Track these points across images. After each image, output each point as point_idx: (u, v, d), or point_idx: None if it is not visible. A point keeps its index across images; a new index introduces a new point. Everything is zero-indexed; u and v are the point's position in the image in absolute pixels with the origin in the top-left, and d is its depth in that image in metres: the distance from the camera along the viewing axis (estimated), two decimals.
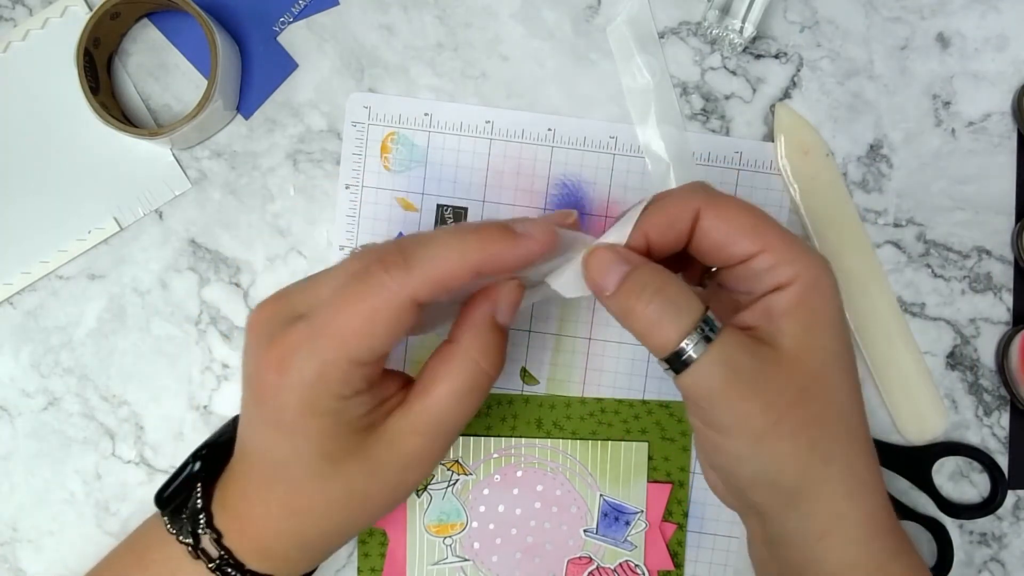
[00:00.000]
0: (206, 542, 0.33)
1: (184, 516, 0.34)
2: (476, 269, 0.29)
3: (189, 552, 0.33)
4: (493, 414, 0.44)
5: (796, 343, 0.30)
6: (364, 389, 0.31)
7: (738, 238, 0.31)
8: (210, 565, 0.33)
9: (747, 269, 0.31)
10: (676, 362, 0.30)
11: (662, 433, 0.44)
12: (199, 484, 0.35)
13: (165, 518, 0.35)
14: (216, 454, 0.36)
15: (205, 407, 0.44)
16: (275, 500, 0.33)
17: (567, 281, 0.33)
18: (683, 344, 0.29)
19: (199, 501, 0.34)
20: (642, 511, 0.44)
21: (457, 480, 0.44)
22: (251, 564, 0.33)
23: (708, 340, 0.30)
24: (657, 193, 0.33)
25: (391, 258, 0.29)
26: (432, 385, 0.32)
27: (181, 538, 0.34)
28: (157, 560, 0.35)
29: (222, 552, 0.33)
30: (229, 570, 0.33)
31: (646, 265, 0.31)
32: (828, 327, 0.31)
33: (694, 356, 0.29)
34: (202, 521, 0.34)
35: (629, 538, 0.43)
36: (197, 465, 0.36)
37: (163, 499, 0.36)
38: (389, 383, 0.33)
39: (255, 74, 0.45)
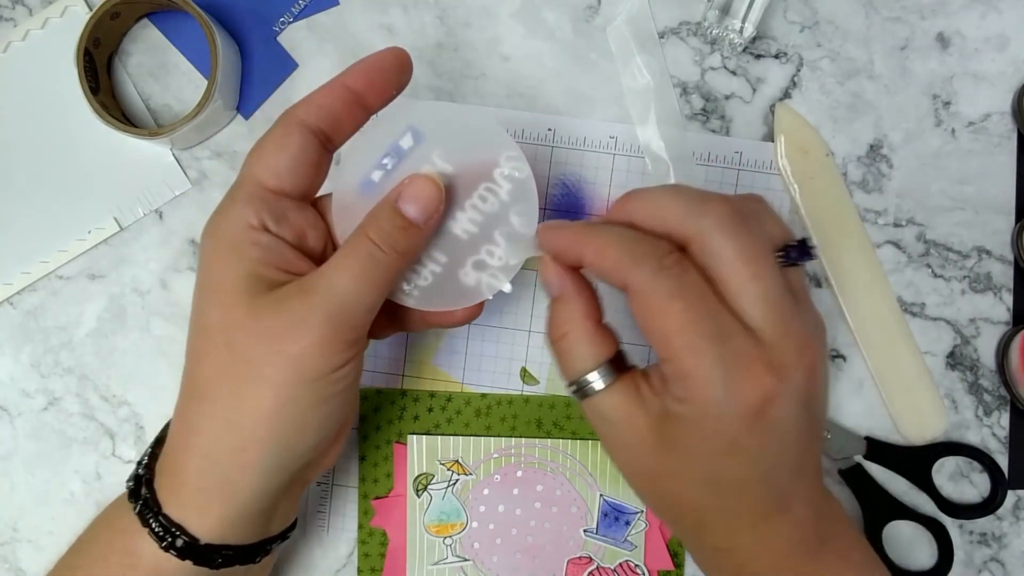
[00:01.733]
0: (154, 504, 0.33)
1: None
2: (344, 83, 0.33)
3: (130, 503, 0.33)
4: (493, 414, 0.44)
5: (667, 438, 0.30)
6: (268, 225, 0.32)
7: (651, 337, 0.30)
8: (136, 510, 0.33)
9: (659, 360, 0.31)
10: (579, 391, 0.32)
11: None
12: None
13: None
14: None
15: None
16: (176, 414, 0.34)
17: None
18: (585, 377, 0.32)
19: (147, 453, 0.35)
20: (642, 511, 0.44)
21: (457, 480, 0.44)
22: (168, 507, 0.32)
23: (611, 378, 0.31)
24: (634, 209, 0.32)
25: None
26: (330, 259, 0.32)
27: (130, 484, 0.34)
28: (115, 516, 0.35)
29: (146, 493, 0.33)
30: (150, 520, 0.32)
31: (567, 301, 0.32)
32: (696, 450, 0.30)
33: (585, 393, 0.32)
34: (143, 465, 0.34)
35: (629, 538, 0.44)
36: None
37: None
38: (302, 264, 0.33)
39: (255, 74, 0.45)
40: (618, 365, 0.32)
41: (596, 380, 0.31)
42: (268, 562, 0.37)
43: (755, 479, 0.30)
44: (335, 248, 0.35)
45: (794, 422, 0.29)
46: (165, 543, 0.32)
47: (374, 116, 0.35)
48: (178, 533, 0.32)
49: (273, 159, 0.33)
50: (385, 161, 0.34)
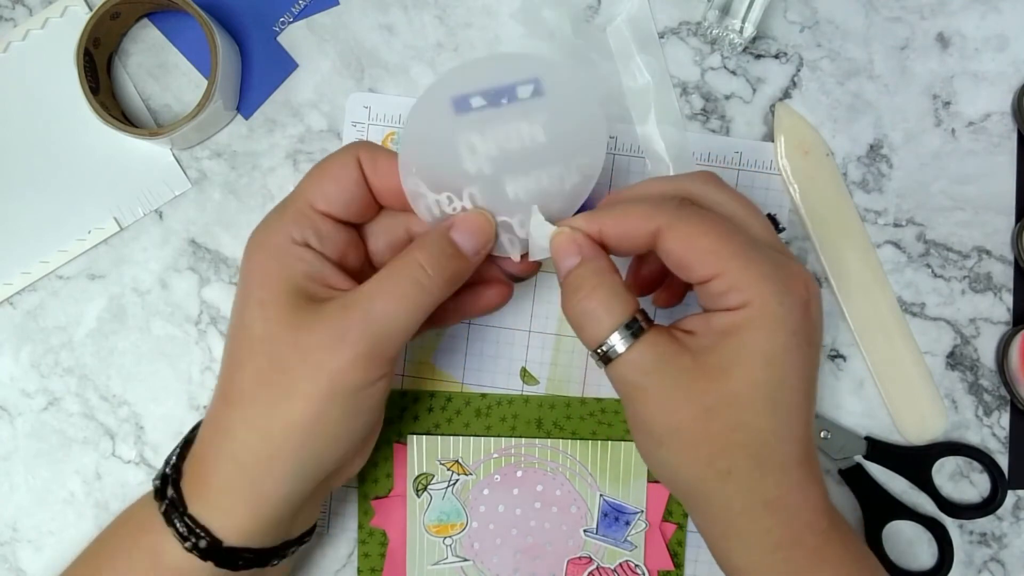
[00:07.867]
0: (181, 510, 0.33)
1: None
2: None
3: (156, 502, 0.34)
4: (493, 414, 0.44)
5: (721, 362, 0.31)
6: (311, 243, 0.34)
7: (695, 261, 0.31)
8: (162, 511, 0.33)
9: (705, 289, 0.32)
10: (603, 355, 0.32)
11: None
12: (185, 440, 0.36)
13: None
14: None
15: (205, 407, 0.44)
16: (208, 418, 0.34)
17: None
18: (609, 340, 0.32)
19: (175, 453, 0.35)
20: (642, 511, 0.44)
21: (457, 480, 0.44)
22: (193, 507, 0.33)
23: (636, 337, 0.32)
24: (636, 186, 0.35)
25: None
26: (374, 277, 0.33)
27: (156, 486, 0.34)
28: (136, 517, 0.35)
29: (173, 493, 0.33)
30: (175, 520, 0.33)
31: (592, 261, 0.33)
32: (761, 357, 0.30)
33: (618, 351, 0.32)
34: (171, 466, 0.34)
35: (629, 538, 0.44)
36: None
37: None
38: (342, 281, 0.34)
39: (255, 74, 0.45)
40: (643, 320, 0.32)
41: (627, 338, 0.31)
42: (285, 566, 0.37)
43: (803, 391, 0.31)
44: (372, 268, 0.36)
45: (820, 331, 0.32)
46: (189, 544, 0.32)
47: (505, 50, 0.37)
48: (202, 534, 0.32)
49: (327, 186, 0.34)
50: (495, 94, 0.34)
